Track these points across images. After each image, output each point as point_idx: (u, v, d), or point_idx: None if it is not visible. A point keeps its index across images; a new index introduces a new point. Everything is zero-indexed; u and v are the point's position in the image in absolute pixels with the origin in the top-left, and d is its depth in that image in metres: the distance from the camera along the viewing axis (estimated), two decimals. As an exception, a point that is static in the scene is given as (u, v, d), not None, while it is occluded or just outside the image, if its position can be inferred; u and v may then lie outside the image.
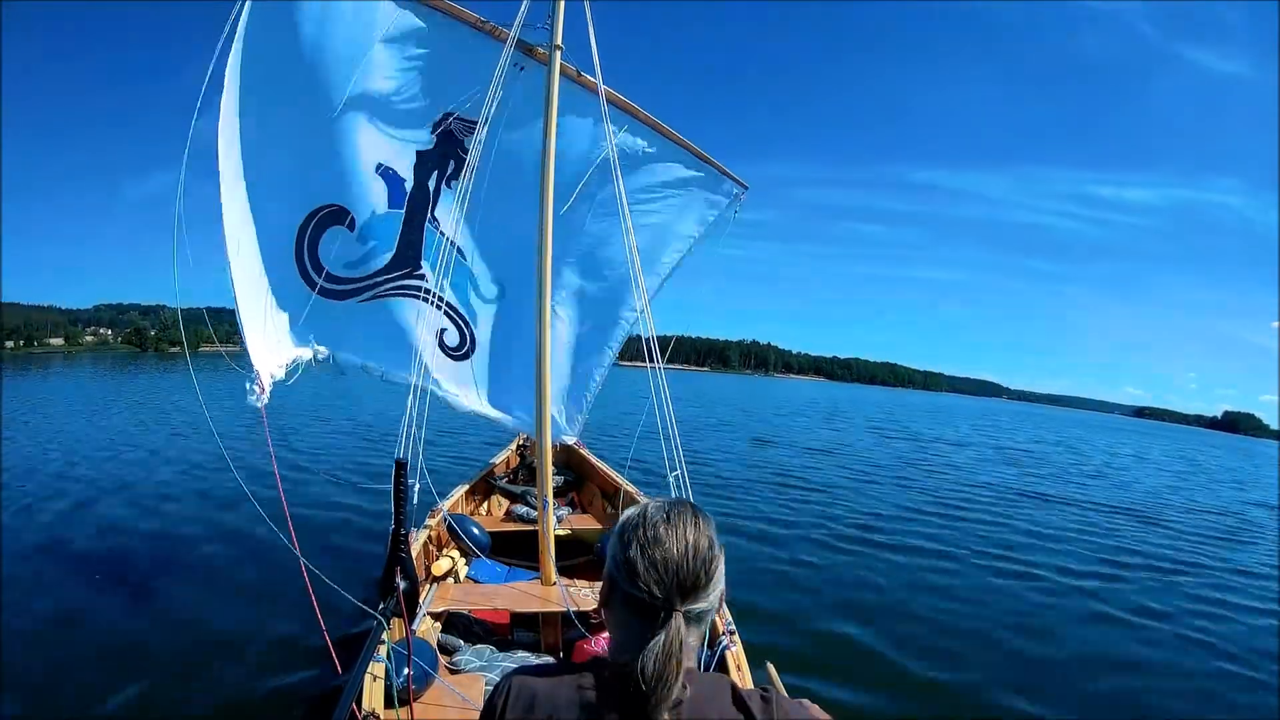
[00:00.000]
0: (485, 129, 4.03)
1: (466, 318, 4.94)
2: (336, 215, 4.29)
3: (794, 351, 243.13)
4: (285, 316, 4.19)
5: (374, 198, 4.43)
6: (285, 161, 4.00)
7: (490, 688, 2.89)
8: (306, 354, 4.26)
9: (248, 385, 3.57)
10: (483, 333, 5.04)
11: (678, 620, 0.83)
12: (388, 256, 4.55)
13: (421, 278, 4.64)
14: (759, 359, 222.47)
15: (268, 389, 3.65)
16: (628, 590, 0.86)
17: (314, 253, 4.30)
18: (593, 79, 4.49)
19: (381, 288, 4.55)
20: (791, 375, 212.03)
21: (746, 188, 5.42)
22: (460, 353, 5.00)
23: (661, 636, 0.81)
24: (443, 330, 4.79)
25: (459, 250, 4.63)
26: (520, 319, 4.82)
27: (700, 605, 0.86)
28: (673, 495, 4.22)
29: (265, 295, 4.06)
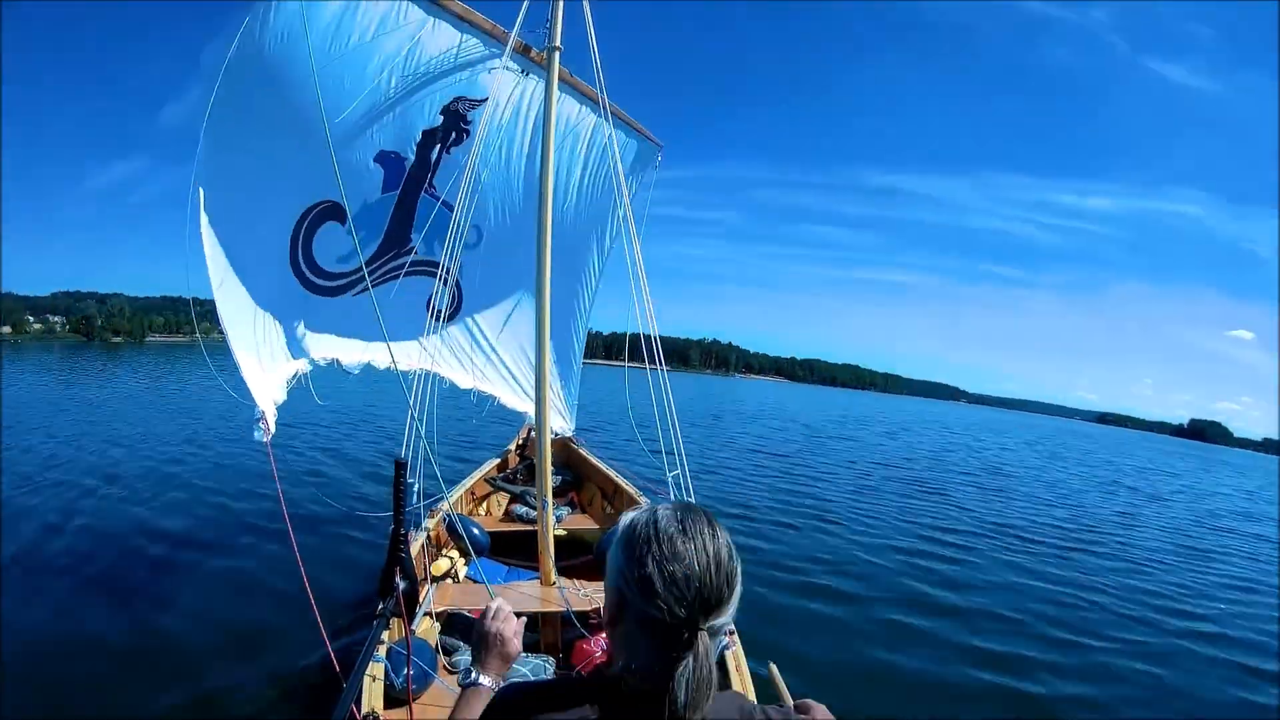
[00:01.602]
0: (485, 128, 4.08)
1: (452, 269, 4.99)
2: (331, 211, 4.29)
3: (753, 351, 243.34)
4: (282, 328, 4.18)
5: (368, 187, 4.49)
6: (284, 169, 3.99)
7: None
8: (307, 364, 4.25)
9: (255, 424, 3.58)
10: (468, 281, 5.26)
11: (704, 640, 0.77)
12: (377, 243, 4.63)
13: (410, 252, 4.74)
14: (720, 359, 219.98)
15: (273, 424, 3.64)
16: (644, 609, 0.78)
17: (309, 251, 4.30)
18: (581, 81, 4.60)
19: (375, 275, 4.61)
20: (752, 375, 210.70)
21: (661, 145, 5.96)
22: (451, 311, 5.17)
23: (690, 660, 0.76)
24: (435, 294, 4.86)
25: (448, 207, 4.67)
26: (494, 256, 5.20)
27: (722, 620, 0.80)
28: (672, 496, 4.23)
29: (259, 311, 4.03)
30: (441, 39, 4.40)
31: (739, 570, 0.82)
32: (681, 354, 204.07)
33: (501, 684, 1.15)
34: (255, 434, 3.56)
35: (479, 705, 1.06)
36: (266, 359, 3.98)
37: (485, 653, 1.20)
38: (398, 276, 4.70)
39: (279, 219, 4.16)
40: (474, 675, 1.16)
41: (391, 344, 4.35)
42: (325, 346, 4.39)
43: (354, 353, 4.52)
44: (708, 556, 0.79)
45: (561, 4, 4.12)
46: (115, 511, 7.15)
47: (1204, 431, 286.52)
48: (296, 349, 4.22)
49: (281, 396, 3.94)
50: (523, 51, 4.62)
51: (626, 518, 0.87)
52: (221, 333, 3.74)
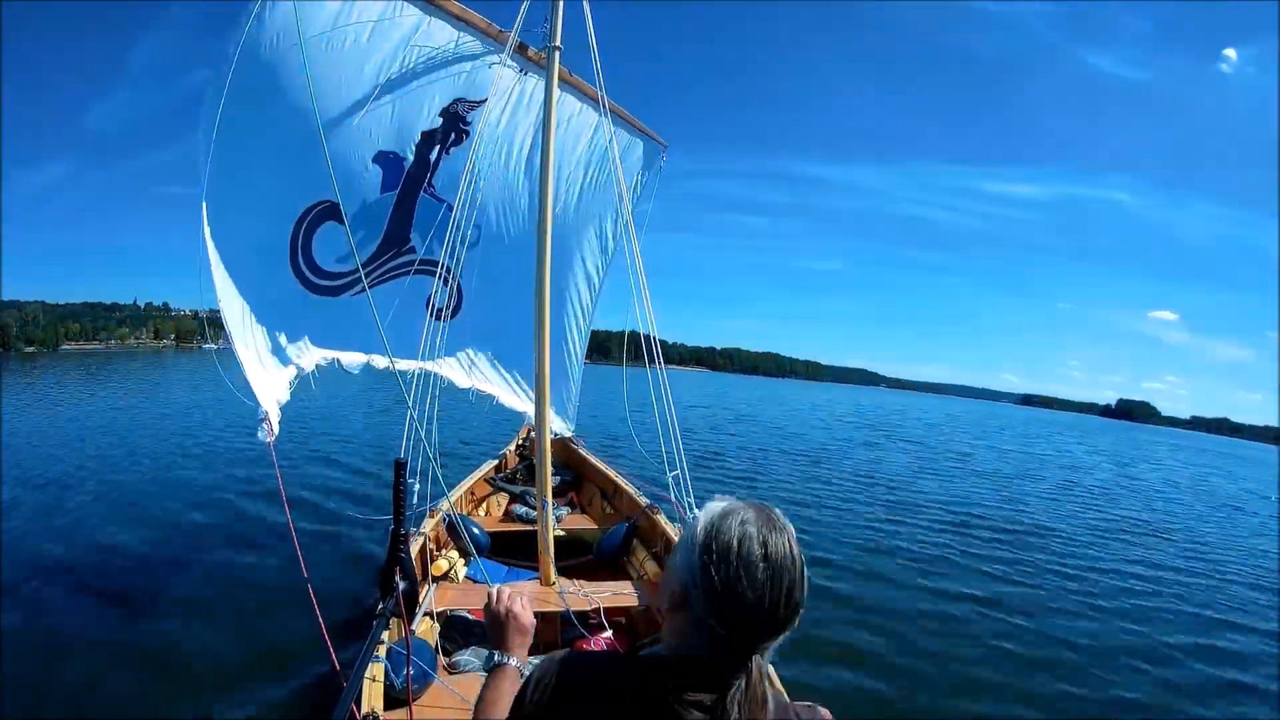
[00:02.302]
0: (497, 126, 4.09)
1: (452, 269, 4.97)
2: (330, 211, 4.29)
3: (671, 342, 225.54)
4: (283, 329, 4.16)
5: (367, 187, 4.49)
6: (282, 169, 3.99)
7: None
8: (309, 364, 4.24)
9: (258, 424, 3.52)
10: (468, 281, 5.24)
11: (758, 661, 0.77)
12: (376, 242, 4.63)
13: (410, 251, 4.75)
14: (639, 350, 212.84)
15: (276, 425, 3.60)
16: (706, 620, 0.77)
17: (308, 251, 4.30)
18: (581, 80, 4.61)
19: (374, 274, 4.61)
20: (672, 366, 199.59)
21: (665, 145, 6.01)
22: (450, 310, 5.13)
23: (743, 682, 0.76)
24: (434, 293, 4.82)
25: (449, 206, 4.67)
26: (494, 256, 5.22)
27: (780, 640, 0.79)
28: (673, 497, 4.23)
29: (261, 310, 4.01)
30: (438, 39, 4.40)
31: (807, 594, 0.80)
32: (602, 347, 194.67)
33: (525, 660, 1.17)
34: (259, 434, 3.54)
35: (508, 685, 1.06)
36: (268, 359, 3.97)
37: (503, 635, 1.20)
38: (397, 276, 4.70)
39: (279, 219, 4.16)
40: (499, 656, 1.17)
41: (390, 344, 4.33)
42: (325, 347, 4.38)
43: (354, 353, 4.51)
44: (782, 590, 0.76)
45: (561, 3, 4.12)
46: (112, 513, 7.14)
47: (1132, 411, 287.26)
48: (297, 349, 4.22)
49: (285, 396, 3.93)
50: (521, 51, 4.62)
51: (711, 510, 0.83)
52: (225, 336, 3.72)
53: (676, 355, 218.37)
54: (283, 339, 4.15)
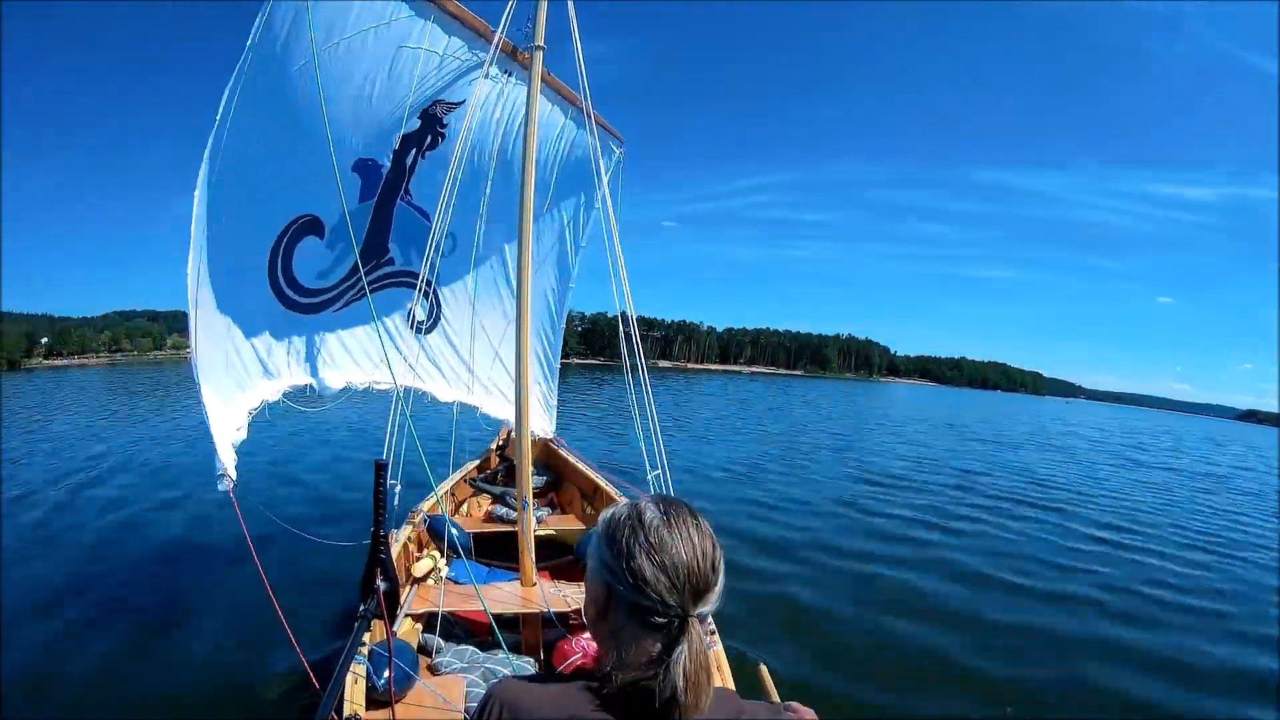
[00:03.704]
0: (470, 129, 4.07)
1: (430, 280, 4.90)
2: (311, 225, 4.22)
3: (898, 354, 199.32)
4: (261, 351, 4.06)
5: (345, 197, 4.43)
6: (266, 179, 3.92)
7: (471, 689, 2.89)
8: (280, 389, 4.11)
9: (218, 477, 3.37)
10: (445, 293, 5.19)
11: (696, 627, 0.78)
12: (355, 254, 4.57)
13: (390, 262, 4.69)
14: (862, 358, 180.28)
15: (233, 471, 3.43)
16: (634, 600, 0.79)
17: (288, 267, 4.22)
18: (557, 79, 4.62)
19: (354, 289, 4.52)
20: (897, 379, 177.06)
21: (623, 140, 6.00)
22: (430, 322, 5.10)
23: (685, 647, 0.77)
24: (415, 305, 4.79)
25: (424, 214, 4.65)
26: (469, 263, 5.16)
27: (709, 608, 0.81)
28: (651, 493, 4.27)
29: (234, 332, 3.89)
30: (429, 42, 4.34)
31: (722, 558, 0.83)
32: (816, 354, 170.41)
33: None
34: (219, 485, 3.37)
35: None
36: (236, 386, 3.83)
37: None
38: (377, 289, 4.62)
39: (259, 236, 4.06)
40: None
41: (373, 359, 4.27)
42: (302, 368, 4.29)
43: (333, 371, 4.43)
44: (694, 545, 0.80)
45: (545, 4, 4.12)
46: (80, 532, 6.98)
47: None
48: (273, 371, 4.12)
49: (243, 434, 3.74)
50: (509, 52, 4.59)
51: (607, 512, 0.88)
52: (191, 370, 3.53)
53: (902, 366, 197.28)
54: (258, 361, 4.05)
